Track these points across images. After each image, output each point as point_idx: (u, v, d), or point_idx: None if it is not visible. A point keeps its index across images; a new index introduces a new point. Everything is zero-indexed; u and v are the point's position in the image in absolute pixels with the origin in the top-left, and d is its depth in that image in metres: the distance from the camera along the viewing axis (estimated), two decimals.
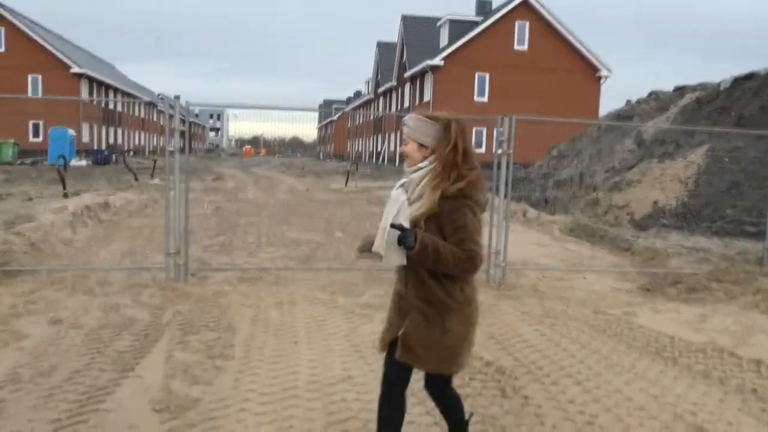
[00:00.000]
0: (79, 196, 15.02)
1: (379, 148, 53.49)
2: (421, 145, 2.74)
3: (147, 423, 3.53)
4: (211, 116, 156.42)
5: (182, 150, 7.11)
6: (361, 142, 66.69)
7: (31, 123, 43.77)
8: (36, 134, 43.93)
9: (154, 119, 74.96)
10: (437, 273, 2.65)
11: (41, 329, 5.16)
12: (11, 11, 43.77)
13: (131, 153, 50.86)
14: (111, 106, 49.74)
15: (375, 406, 3.88)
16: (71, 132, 38.36)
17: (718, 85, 16.23)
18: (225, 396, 3.89)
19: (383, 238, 2.69)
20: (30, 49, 42.83)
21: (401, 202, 2.70)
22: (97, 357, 4.56)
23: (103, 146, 48.61)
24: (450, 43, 38.89)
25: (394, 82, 49.55)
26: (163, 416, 3.61)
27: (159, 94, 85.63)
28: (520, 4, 37.22)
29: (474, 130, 37.68)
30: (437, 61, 37.71)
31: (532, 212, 12.99)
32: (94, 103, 46.91)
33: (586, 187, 14.40)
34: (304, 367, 4.44)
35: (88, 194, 15.23)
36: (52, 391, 3.91)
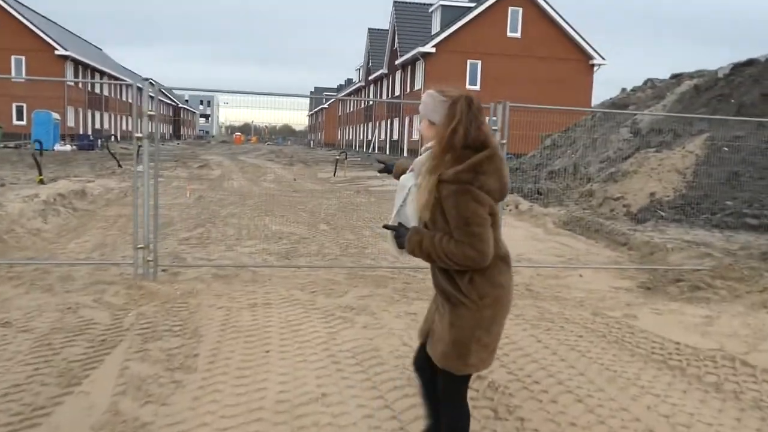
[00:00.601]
0: (55, 183, 14.48)
1: (369, 137, 52.87)
2: (431, 123, 2.54)
3: None
4: (202, 102, 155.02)
5: (152, 136, 6.57)
6: (351, 130, 66.04)
7: (14, 106, 42.91)
8: (20, 117, 43.07)
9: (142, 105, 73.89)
10: None
11: None
12: None
13: (117, 138, 50.10)
14: (80, 86, 48.75)
15: (351, 430, 3.45)
16: (55, 116, 37.58)
17: (716, 72, 15.81)
18: (180, 419, 3.42)
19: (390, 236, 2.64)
20: (14, 30, 41.86)
21: (407, 189, 2.55)
22: (42, 368, 4.07)
23: (89, 131, 47.81)
24: (442, 30, 38.29)
25: (385, 70, 48.90)
26: None
27: (147, 79, 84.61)
28: None
29: None
30: (429, 48, 37.11)
31: (524, 204, 12.55)
32: (80, 85, 46.00)
33: (580, 178, 13.98)
34: (273, 382, 3.96)
35: (64, 181, 14.66)
36: None
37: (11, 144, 35.47)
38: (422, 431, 3.04)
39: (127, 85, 6.51)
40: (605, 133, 15.58)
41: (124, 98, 62.55)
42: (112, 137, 41.81)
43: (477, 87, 36.70)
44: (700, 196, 10.90)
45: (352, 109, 65.68)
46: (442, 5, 39.79)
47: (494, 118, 6.99)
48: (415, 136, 37.35)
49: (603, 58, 37.92)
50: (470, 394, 3.83)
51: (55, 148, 35.43)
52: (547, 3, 36.97)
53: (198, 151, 49.04)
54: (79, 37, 60.13)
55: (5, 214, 9.25)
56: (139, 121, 6.43)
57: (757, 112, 11.76)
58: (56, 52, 42.92)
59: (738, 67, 14.01)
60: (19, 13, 42.60)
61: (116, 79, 57.51)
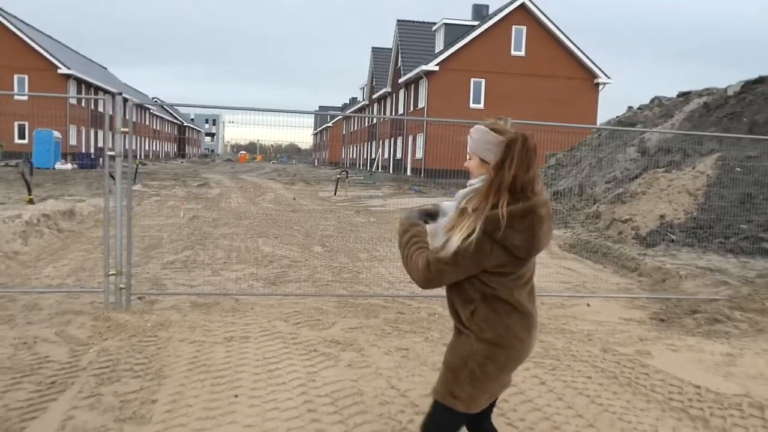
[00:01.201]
0: (44, 203, 14.07)
1: (373, 155, 52.56)
2: (482, 161, 2.39)
3: None
4: (207, 121, 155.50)
5: (125, 155, 6.12)
6: (355, 149, 65.81)
7: (16, 124, 42.76)
8: (22, 136, 42.92)
9: (146, 123, 73.99)
10: (451, 286, 2.43)
11: None
12: (2, 13, 42.79)
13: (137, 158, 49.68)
14: (83, 104, 48.65)
15: None
16: (56, 134, 37.38)
17: (725, 90, 15.36)
18: None
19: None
20: (17, 49, 41.82)
21: (446, 216, 2.46)
22: None
23: (92, 149, 47.61)
24: (445, 48, 38.04)
25: (388, 88, 48.68)
26: None
27: (154, 98, 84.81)
28: (517, 8, 36.39)
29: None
30: (432, 66, 36.84)
31: None
32: (83, 104, 45.88)
33: (586, 198, 13.47)
34: None
35: (53, 200, 14.24)
36: None
37: (12, 162, 35.25)
38: None
39: (114, 98, 6.05)
40: (611, 152, 15.11)
41: (127, 117, 62.39)
42: (23, 160, 41.54)
43: (480, 105, 36.36)
44: (713, 219, 10.38)
45: (356, 128, 65.50)
46: (446, 24, 39.60)
47: None
48: (419, 155, 36.96)
49: (608, 77, 37.55)
50: None
51: (55, 166, 35.21)
52: (551, 22, 36.72)
53: (200, 169, 48.78)
54: (83, 56, 60.23)
55: None
56: (111, 137, 5.96)
57: None
58: (59, 71, 42.84)
59: (749, 85, 13.55)
60: (21, 32, 42.58)
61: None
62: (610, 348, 5.44)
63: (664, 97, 17.77)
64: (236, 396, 4.02)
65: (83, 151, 45.07)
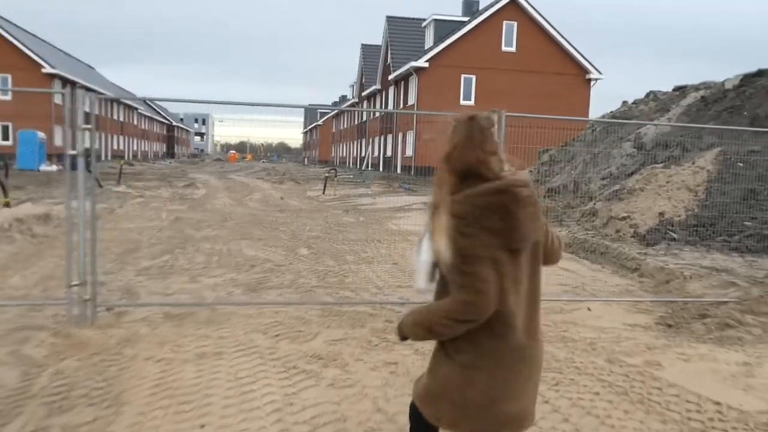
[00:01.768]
0: (20, 206, 13.53)
1: (362, 153, 52.09)
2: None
3: None
4: (197, 121, 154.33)
5: (88, 155, 5.63)
6: (345, 147, 65.31)
7: None
8: (5, 137, 42.13)
9: (135, 123, 73.18)
10: (441, 292, 2.18)
11: None
12: None
13: (122, 159, 49.12)
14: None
15: None
16: (41, 135, 36.70)
17: (722, 83, 15.00)
18: None
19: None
20: (2, 47, 40.97)
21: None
22: None
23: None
24: (435, 44, 37.61)
25: (378, 86, 48.20)
26: None
27: (143, 98, 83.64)
28: (508, 3, 35.98)
29: None
30: (422, 62, 36.39)
31: None
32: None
33: (581, 196, 13.07)
34: None
35: (29, 204, 13.70)
36: None
37: None
38: None
39: (74, 91, 5.56)
40: (607, 147, 14.72)
41: (115, 116, 61.73)
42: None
43: (471, 102, 35.95)
44: (715, 216, 9.99)
45: (345, 126, 64.98)
46: (436, 19, 39.15)
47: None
48: (408, 152, 36.52)
49: (599, 72, 37.23)
50: None
51: (40, 168, 34.56)
52: (543, 17, 36.35)
53: (189, 169, 48.15)
54: (69, 55, 59.32)
55: None
56: (70, 136, 5.47)
57: None
58: (43, 70, 42.03)
59: (748, 78, 13.18)
60: (4, 30, 41.76)
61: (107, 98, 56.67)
62: (617, 358, 5.01)
63: (660, 91, 17.40)
64: (202, 426, 3.55)
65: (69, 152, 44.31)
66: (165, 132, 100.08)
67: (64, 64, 48.80)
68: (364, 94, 53.71)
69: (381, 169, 42.52)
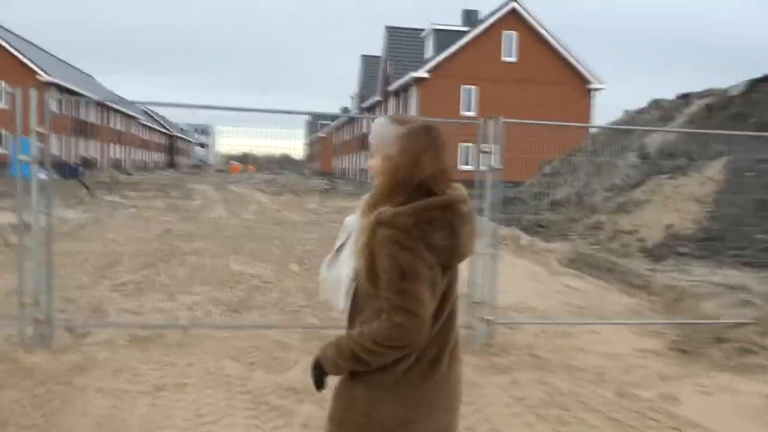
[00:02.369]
0: None
1: (363, 165, 51.69)
2: (387, 158, 1.96)
3: None
4: (197, 131, 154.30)
5: (42, 163, 5.15)
6: (346, 158, 64.96)
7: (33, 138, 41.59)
8: None
9: (134, 132, 72.92)
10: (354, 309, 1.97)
11: None
12: None
13: (114, 167, 48.75)
14: (65, 112, 47.64)
15: None
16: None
17: (726, 91, 14.54)
18: None
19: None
20: None
21: (348, 233, 2.03)
22: None
23: (72, 159, 46.50)
24: (435, 55, 37.24)
25: (378, 97, 47.84)
26: None
27: (143, 107, 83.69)
28: (508, 13, 35.63)
29: (459, 146, 35.92)
30: (422, 73, 36.01)
31: (524, 239, 11.11)
32: (64, 111, 44.77)
33: (584, 208, 12.57)
34: None
35: (8, 213, 13.22)
36: None
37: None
38: None
39: (27, 92, 5.08)
40: (610, 158, 14.23)
41: (112, 125, 61.46)
42: (82, 165, 40.63)
43: (472, 113, 35.51)
44: (725, 228, 9.49)
45: (347, 137, 64.66)
46: (436, 29, 38.79)
47: (486, 147, 5.60)
48: None
49: (600, 82, 36.83)
50: None
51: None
52: (543, 27, 36.00)
53: (188, 180, 47.74)
54: (67, 63, 59.07)
55: None
56: (17, 141, 4.99)
57: None
58: (39, 78, 41.68)
59: (755, 84, 12.72)
60: (1, 38, 41.51)
61: (104, 107, 56.51)
62: (627, 391, 4.49)
63: (663, 99, 16.93)
64: None
65: (64, 159, 43.99)
66: (165, 142, 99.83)
67: (60, 72, 48.51)
68: (364, 105, 53.35)
69: None
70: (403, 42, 43.09)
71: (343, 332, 1.95)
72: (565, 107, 34.62)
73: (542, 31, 35.97)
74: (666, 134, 13.22)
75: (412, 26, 44.23)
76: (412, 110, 37.59)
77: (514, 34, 35.97)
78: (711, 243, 9.25)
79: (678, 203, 10.42)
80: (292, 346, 5.30)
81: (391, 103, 43.73)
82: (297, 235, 13.75)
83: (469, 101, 36.08)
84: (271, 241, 12.65)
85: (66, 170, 37.77)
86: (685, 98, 16.25)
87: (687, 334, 5.99)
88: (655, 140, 13.58)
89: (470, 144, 29.75)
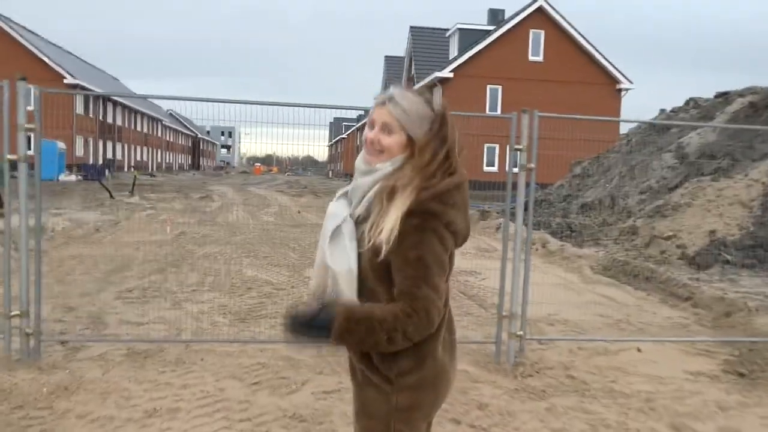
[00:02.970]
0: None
1: None
2: (410, 140, 1.83)
3: None
4: (223, 134, 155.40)
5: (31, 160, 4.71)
6: None
7: (22, 135, 42.00)
8: (27, 146, 42.07)
9: (159, 134, 73.40)
10: None
11: None
12: (4, 18, 42.15)
13: (134, 169, 49.05)
14: (91, 115, 47.97)
15: None
16: (61, 145, 36.56)
17: None
18: None
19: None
20: (22, 58, 40.97)
21: (341, 221, 1.83)
22: None
23: (100, 161, 46.81)
24: (460, 54, 36.61)
25: None
26: None
27: (168, 110, 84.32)
28: (534, 11, 34.87)
29: (485, 146, 35.23)
30: (446, 73, 35.40)
31: (553, 243, 10.48)
32: (91, 115, 45.07)
33: (618, 212, 11.89)
34: None
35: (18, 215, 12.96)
36: None
37: (17, 174, 34.48)
38: None
39: (15, 86, 4.66)
40: (645, 159, 13.52)
41: (138, 128, 61.87)
42: (108, 167, 40.78)
43: (498, 113, 34.84)
44: None
45: None
46: (460, 29, 38.16)
47: (519, 145, 5.04)
48: None
49: (630, 82, 35.86)
50: None
51: (60, 178, 34.40)
52: (571, 25, 35.17)
53: (210, 181, 47.64)
54: (94, 67, 59.60)
55: None
56: (8, 137, 4.55)
57: None
58: (65, 81, 41.99)
59: None
60: (27, 40, 41.84)
61: (130, 109, 56.90)
62: (683, 424, 3.90)
63: (701, 98, 16.15)
64: None
65: (91, 162, 44.26)
66: (190, 144, 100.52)
67: (86, 75, 48.86)
68: None
69: None
70: (427, 42, 42.56)
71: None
72: (594, 108, 33.77)
73: (570, 29, 35.15)
74: (705, 134, 12.49)
75: (436, 26, 43.69)
76: None
77: (541, 32, 35.21)
78: (759, 250, 8.56)
79: (722, 207, 9.72)
80: (301, 364, 4.79)
81: None
82: (315, 237, 13.16)
83: (495, 101, 35.40)
84: (288, 244, 12.20)
85: (91, 172, 37.99)
86: (724, 96, 15.46)
87: (742, 353, 5.37)
88: (693, 140, 12.85)
89: (495, 144, 29.10)
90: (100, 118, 48.77)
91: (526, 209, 5.25)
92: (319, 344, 1.81)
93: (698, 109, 15.30)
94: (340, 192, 1.97)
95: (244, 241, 12.47)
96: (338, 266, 1.80)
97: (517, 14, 35.89)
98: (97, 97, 47.75)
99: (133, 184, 25.02)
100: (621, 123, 33.06)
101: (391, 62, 52.85)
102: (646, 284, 8.11)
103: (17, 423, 3.53)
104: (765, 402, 4.34)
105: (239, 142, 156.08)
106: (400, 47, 60.87)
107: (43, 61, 41.58)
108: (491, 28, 37.52)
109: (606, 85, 35.56)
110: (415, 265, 1.72)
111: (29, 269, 4.71)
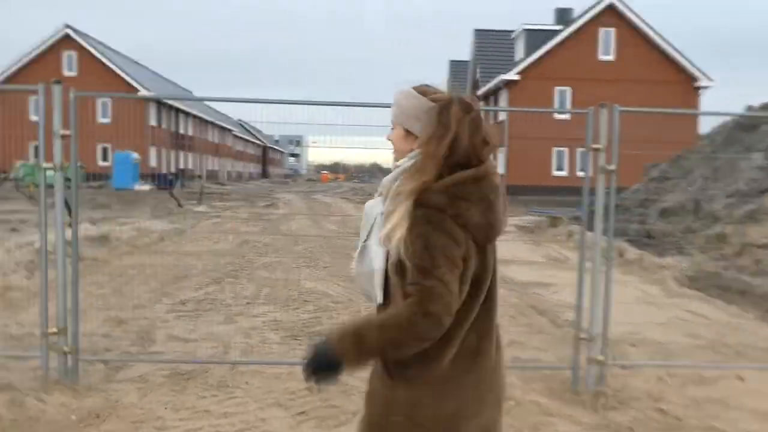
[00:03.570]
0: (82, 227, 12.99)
1: None
2: (408, 133, 1.90)
3: None
4: (291, 142, 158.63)
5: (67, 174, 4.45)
6: None
7: (99, 146, 43.82)
8: (104, 158, 43.90)
9: (229, 144, 75.27)
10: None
11: None
12: (84, 36, 44.23)
13: (200, 178, 50.35)
14: (163, 126, 49.36)
15: None
16: (135, 156, 37.92)
17: None
18: None
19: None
20: (100, 73, 42.87)
21: (374, 219, 1.90)
22: None
23: (172, 170, 48.27)
24: (526, 56, 35.64)
25: None
26: None
27: (239, 120, 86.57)
28: (605, 9, 33.55)
29: (554, 150, 34.08)
30: (512, 75, 34.54)
31: (631, 252, 9.69)
32: (163, 126, 46.48)
33: (703, 217, 10.96)
34: None
35: (86, 224, 13.13)
36: None
37: (95, 184, 35.89)
38: None
39: (51, 90, 4.43)
40: (732, 158, 12.48)
41: (210, 138, 63.56)
42: (177, 176, 41.97)
43: (567, 116, 33.65)
44: None
45: None
46: (526, 30, 37.15)
47: (597, 145, 4.46)
48: (500, 170, 34.58)
49: (710, 79, 33.95)
50: None
51: (135, 187, 35.66)
52: (644, 21, 33.63)
53: (277, 189, 48.28)
54: (168, 80, 61.59)
55: None
56: (45, 144, 4.31)
57: None
58: (139, 94, 43.52)
59: None
60: (105, 56, 43.69)
61: (202, 120, 58.54)
62: None
63: None
64: None
65: (164, 171, 45.67)
66: (259, 153, 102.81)
67: (160, 87, 50.50)
68: None
69: None
70: (491, 44, 41.72)
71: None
72: (670, 107, 32.15)
73: (642, 25, 33.64)
74: None
75: (501, 28, 42.80)
76: (502, 115, 36.13)
77: (611, 30, 33.84)
78: None
79: None
80: (353, 390, 4.35)
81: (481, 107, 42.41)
82: None
83: (563, 103, 34.25)
84: (348, 254, 11.81)
85: (162, 181, 39.17)
86: None
87: None
88: None
89: (564, 148, 28.01)
90: (172, 129, 50.26)
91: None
92: (337, 375, 1.77)
93: None
94: (379, 189, 1.99)
95: (305, 250, 12.23)
96: (368, 267, 1.85)
97: (585, 12, 34.65)
98: (170, 108, 49.25)
99: (201, 193, 25.42)
100: (700, 122, 31.27)
101: (456, 66, 52.18)
102: (741, 299, 7.27)
103: None
104: None
105: (307, 151, 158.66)
106: (464, 50, 60.03)
107: (119, 76, 43.31)
108: (559, 27, 36.37)
109: (682, 84, 33.79)
110: (420, 256, 1.71)
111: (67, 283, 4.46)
